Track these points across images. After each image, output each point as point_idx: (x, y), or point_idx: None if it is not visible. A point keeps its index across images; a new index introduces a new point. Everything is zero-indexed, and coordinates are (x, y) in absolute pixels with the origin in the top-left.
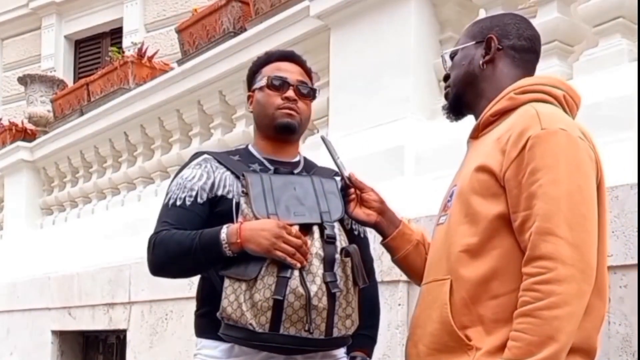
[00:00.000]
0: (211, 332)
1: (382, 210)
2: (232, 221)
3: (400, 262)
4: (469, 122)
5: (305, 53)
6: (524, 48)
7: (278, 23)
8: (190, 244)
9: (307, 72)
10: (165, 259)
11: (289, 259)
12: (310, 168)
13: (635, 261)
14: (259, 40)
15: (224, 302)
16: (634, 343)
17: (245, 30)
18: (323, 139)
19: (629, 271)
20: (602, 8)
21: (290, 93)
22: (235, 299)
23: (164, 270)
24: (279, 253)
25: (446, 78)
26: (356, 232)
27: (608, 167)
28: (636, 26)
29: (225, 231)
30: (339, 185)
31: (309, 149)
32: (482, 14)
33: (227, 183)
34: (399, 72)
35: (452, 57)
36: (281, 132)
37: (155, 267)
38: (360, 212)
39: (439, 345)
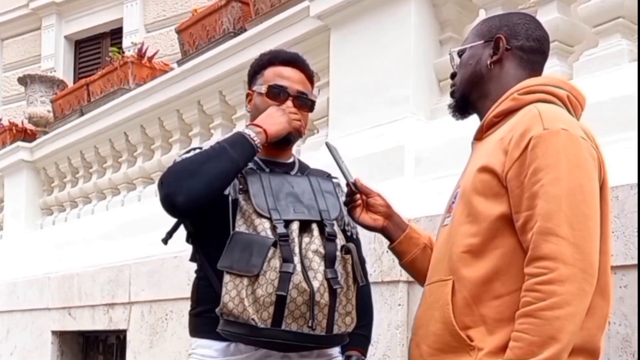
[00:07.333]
0: (207, 332)
1: (389, 214)
2: (228, 219)
3: (408, 266)
4: (469, 122)
5: (305, 53)
6: (532, 49)
7: (278, 23)
8: (210, 150)
9: (309, 77)
10: (183, 173)
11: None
12: (304, 170)
13: (635, 261)
14: (259, 41)
15: (225, 298)
16: (634, 343)
17: (245, 30)
18: (328, 145)
19: (629, 271)
20: (602, 8)
21: (288, 104)
22: (237, 294)
23: (181, 189)
24: (295, 123)
25: (453, 76)
26: (349, 234)
27: (608, 167)
28: (636, 26)
29: (243, 130)
30: (335, 186)
31: (310, 149)
32: (482, 14)
33: None
34: (399, 72)
35: (460, 55)
36: (275, 142)
37: (169, 192)
38: (366, 218)
39: (441, 345)
